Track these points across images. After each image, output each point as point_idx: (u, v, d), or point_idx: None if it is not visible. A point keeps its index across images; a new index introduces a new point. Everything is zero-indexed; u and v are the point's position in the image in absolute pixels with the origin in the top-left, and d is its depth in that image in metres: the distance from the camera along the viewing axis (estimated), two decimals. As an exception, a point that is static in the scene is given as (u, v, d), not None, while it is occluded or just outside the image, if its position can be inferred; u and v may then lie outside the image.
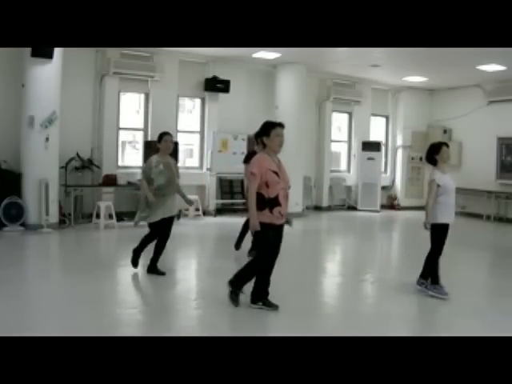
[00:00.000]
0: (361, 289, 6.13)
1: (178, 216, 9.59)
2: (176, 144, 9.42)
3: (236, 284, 4.86)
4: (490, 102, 12.77)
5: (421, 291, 5.56)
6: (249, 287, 4.88)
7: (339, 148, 14.30)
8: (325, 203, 13.43)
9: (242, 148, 11.73)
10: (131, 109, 11.26)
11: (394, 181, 14.76)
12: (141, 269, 6.24)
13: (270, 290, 4.86)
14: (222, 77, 11.49)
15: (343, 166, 14.37)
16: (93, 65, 10.29)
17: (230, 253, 7.37)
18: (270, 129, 4.73)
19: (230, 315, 4.72)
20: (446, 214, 5.42)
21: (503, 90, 12.37)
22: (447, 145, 5.61)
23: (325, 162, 13.38)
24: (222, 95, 11.66)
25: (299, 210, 11.79)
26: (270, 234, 4.65)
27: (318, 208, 13.36)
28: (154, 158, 5.98)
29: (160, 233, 6.00)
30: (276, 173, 4.63)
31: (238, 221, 11.00)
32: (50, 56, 8.55)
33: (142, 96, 11.11)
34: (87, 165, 10.01)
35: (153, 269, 6.04)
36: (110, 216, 9.54)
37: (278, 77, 12.07)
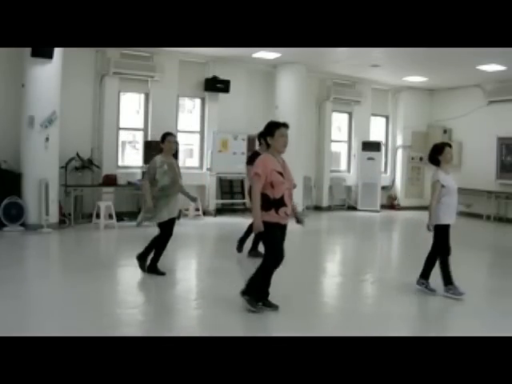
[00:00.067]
0: (361, 289, 6.13)
1: (178, 216, 9.60)
2: (176, 144, 9.42)
3: (250, 292, 4.77)
4: (490, 102, 12.78)
5: (421, 291, 5.56)
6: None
7: (339, 148, 14.30)
8: (325, 203, 13.44)
9: (242, 148, 11.75)
10: (131, 109, 11.26)
11: (393, 181, 14.76)
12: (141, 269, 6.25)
13: (270, 290, 4.86)
14: (222, 77, 11.49)
15: (343, 165, 14.37)
16: (93, 65, 10.29)
17: (230, 253, 7.37)
18: (274, 129, 4.70)
19: (229, 315, 4.71)
20: (449, 215, 5.43)
21: (503, 89, 12.37)
22: (450, 145, 5.62)
23: (325, 162, 13.39)
24: (222, 95, 11.66)
25: (299, 210, 11.76)
26: (277, 234, 4.65)
27: (317, 208, 13.36)
28: (158, 159, 5.97)
29: (164, 233, 6.01)
30: (281, 173, 4.62)
31: (238, 221, 11.04)
32: (50, 56, 8.55)
33: (142, 96, 11.11)
34: (87, 165, 10.01)
35: (153, 269, 6.04)
36: (110, 216, 9.54)
37: (278, 77, 12.07)
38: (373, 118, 14.40)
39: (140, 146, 11.10)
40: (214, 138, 11.47)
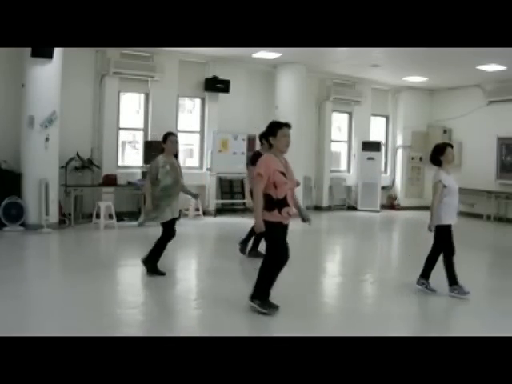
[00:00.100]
0: (361, 289, 6.13)
1: (179, 216, 9.61)
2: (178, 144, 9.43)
3: (259, 296, 4.74)
4: (490, 102, 12.77)
5: (421, 291, 5.57)
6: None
7: (339, 148, 14.30)
8: (325, 203, 13.43)
9: (242, 148, 11.75)
10: (131, 109, 11.26)
11: (393, 181, 14.76)
12: (140, 269, 6.24)
13: (271, 290, 4.85)
14: (222, 77, 11.49)
15: (343, 166, 14.37)
16: (93, 65, 10.29)
17: (230, 253, 7.37)
18: (276, 129, 4.69)
19: (229, 315, 4.71)
20: (450, 215, 5.44)
21: (503, 89, 12.37)
22: (452, 146, 5.63)
23: (325, 162, 13.39)
24: (222, 95, 11.66)
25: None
26: (280, 233, 4.65)
27: (317, 208, 13.36)
28: (161, 159, 5.95)
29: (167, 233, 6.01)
30: (283, 173, 4.62)
31: (238, 221, 11.05)
32: (50, 56, 8.55)
33: (142, 96, 11.11)
34: (87, 165, 10.01)
35: (153, 269, 6.03)
36: (110, 216, 9.54)
37: (278, 77, 12.07)
38: (373, 117, 14.40)
39: (140, 146, 11.10)
40: (214, 138, 11.47)
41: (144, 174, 10.52)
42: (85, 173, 10.04)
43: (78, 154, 9.77)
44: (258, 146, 11.36)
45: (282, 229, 4.68)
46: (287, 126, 4.72)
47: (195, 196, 6.78)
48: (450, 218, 5.44)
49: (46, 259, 7.45)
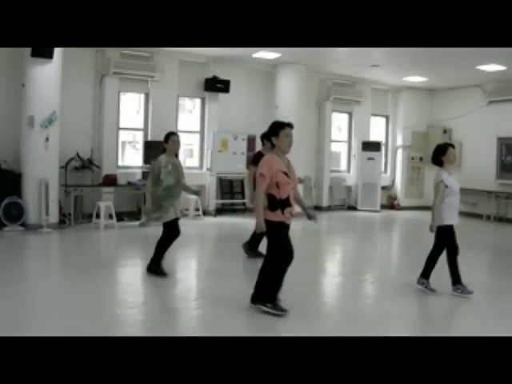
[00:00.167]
0: (361, 289, 6.13)
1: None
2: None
3: (260, 297, 4.71)
4: (490, 102, 12.77)
5: (421, 291, 5.57)
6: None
7: (339, 148, 14.30)
8: (325, 203, 13.43)
9: (242, 148, 11.75)
10: (131, 109, 11.26)
11: (393, 181, 14.76)
12: (141, 269, 6.25)
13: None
14: (222, 77, 11.49)
15: (343, 166, 14.36)
16: (93, 65, 10.29)
17: (230, 253, 7.37)
18: (278, 129, 4.68)
19: (230, 315, 4.71)
20: (451, 215, 5.45)
21: (503, 89, 12.37)
22: (453, 146, 5.64)
23: (325, 162, 13.38)
24: (222, 95, 11.66)
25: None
26: (284, 233, 4.65)
27: (317, 208, 13.34)
28: (163, 158, 5.93)
29: (169, 233, 6.00)
30: (286, 173, 4.62)
31: (238, 221, 11.05)
32: (50, 56, 8.55)
33: (142, 96, 11.11)
34: (87, 165, 10.01)
35: (153, 269, 6.02)
36: (110, 216, 9.54)
37: (278, 77, 12.07)
38: (373, 117, 14.39)
39: (140, 146, 11.10)
40: (214, 138, 11.46)
41: (144, 174, 10.53)
42: (85, 173, 10.04)
43: (77, 154, 9.77)
44: (258, 146, 11.40)
45: (285, 229, 4.67)
46: (289, 126, 4.71)
47: (196, 192, 6.74)
48: (451, 218, 5.45)
49: (46, 259, 7.45)
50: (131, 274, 6.45)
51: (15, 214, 8.69)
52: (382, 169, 14.33)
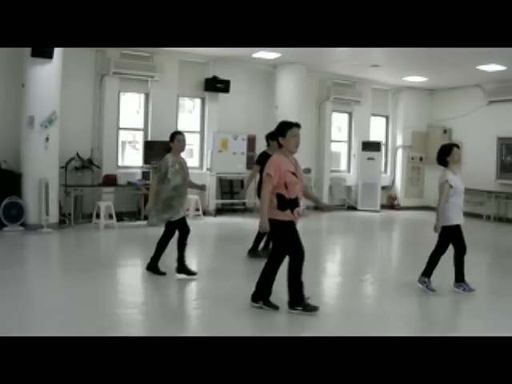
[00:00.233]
0: (361, 289, 6.13)
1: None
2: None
3: (298, 300, 4.71)
4: (490, 102, 12.77)
5: (421, 290, 5.56)
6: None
7: (339, 148, 14.30)
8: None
9: (242, 148, 11.75)
10: (131, 109, 11.26)
11: (393, 181, 14.76)
12: (141, 269, 6.25)
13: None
14: (222, 77, 11.49)
15: (343, 166, 14.37)
16: (93, 65, 10.29)
17: (230, 253, 7.37)
18: (286, 129, 4.66)
19: (230, 315, 4.71)
20: (457, 215, 5.48)
21: (503, 89, 12.36)
22: (458, 146, 5.69)
23: (325, 162, 13.38)
24: (222, 95, 11.66)
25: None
26: (295, 231, 4.66)
27: (317, 208, 13.33)
28: (170, 158, 5.93)
29: (180, 231, 5.98)
30: (294, 173, 4.62)
31: (238, 221, 11.05)
32: (50, 56, 8.55)
33: (142, 96, 11.11)
34: (87, 165, 10.01)
35: (152, 267, 6.03)
36: (110, 216, 9.54)
37: (278, 77, 12.07)
38: (373, 117, 14.39)
39: (140, 146, 11.10)
40: (214, 138, 11.46)
41: (144, 174, 10.54)
42: (85, 173, 10.04)
43: (77, 154, 9.77)
44: (258, 146, 11.41)
45: (295, 227, 4.69)
46: (297, 126, 4.70)
47: (202, 187, 6.70)
48: (457, 218, 5.49)
49: (46, 259, 7.45)
50: (131, 273, 6.44)
51: (15, 214, 8.69)
52: (382, 169, 14.33)
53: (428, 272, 5.58)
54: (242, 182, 12.04)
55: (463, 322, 4.92)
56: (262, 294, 4.79)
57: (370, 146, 13.70)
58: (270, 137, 6.62)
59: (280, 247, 4.74)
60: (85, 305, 4.88)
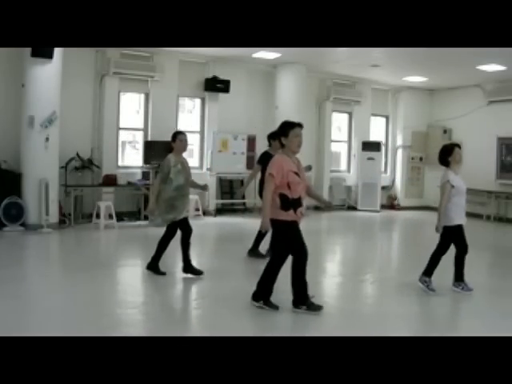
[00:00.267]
0: (361, 289, 6.13)
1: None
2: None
3: (302, 299, 4.73)
4: (490, 102, 12.77)
5: (421, 290, 5.56)
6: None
7: (339, 148, 14.30)
8: (325, 203, 13.41)
9: (242, 148, 11.76)
10: (131, 109, 11.26)
11: (393, 181, 14.76)
12: (141, 269, 6.25)
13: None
14: (222, 77, 11.49)
15: (343, 166, 14.37)
16: (93, 65, 10.29)
17: (230, 253, 7.37)
18: (288, 129, 4.66)
19: (230, 315, 4.71)
20: (460, 215, 5.50)
21: (503, 89, 12.36)
22: (459, 146, 5.68)
23: (325, 162, 13.38)
24: (222, 95, 11.66)
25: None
26: (298, 231, 4.67)
27: (317, 208, 13.34)
28: (172, 158, 5.92)
29: (182, 231, 5.99)
30: (297, 173, 4.63)
31: (238, 221, 11.06)
32: (50, 56, 8.55)
33: (142, 96, 11.11)
34: (87, 165, 10.01)
35: (153, 267, 6.03)
36: (110, 216, 9.54)
37: (278, 77, 12.08)
38: (373, 117, 14.39)
39: (140, 146, 11.10)
40: (214, 138, 11.47)
41: (144, 174, 10.54)
42: (85, 173, 10.04)
43: (77, 154, 9.77)
44: (258, 146, 11.41)
45: (298, 227, 4.70)
46: (299, 126, 4.70)
47: (204, 187, 6.65)
48: (460, 218, 5.51)
49: (45, 259, 7.45)
50: (131, 273, 6.44)
51: (15, 214, 8.69)
52: (382, 169, 14.33)
53: (429, 272, 5.58)
54: (242, 182, 12.02)
55: (463, 322, 4.91)
56: (262, 293, 4.80)
57: (370, 146, 13.69)
58: (272, 137, 6.62)
59: (283, 247, 4.74)
60: (85, 305, 4.88)
